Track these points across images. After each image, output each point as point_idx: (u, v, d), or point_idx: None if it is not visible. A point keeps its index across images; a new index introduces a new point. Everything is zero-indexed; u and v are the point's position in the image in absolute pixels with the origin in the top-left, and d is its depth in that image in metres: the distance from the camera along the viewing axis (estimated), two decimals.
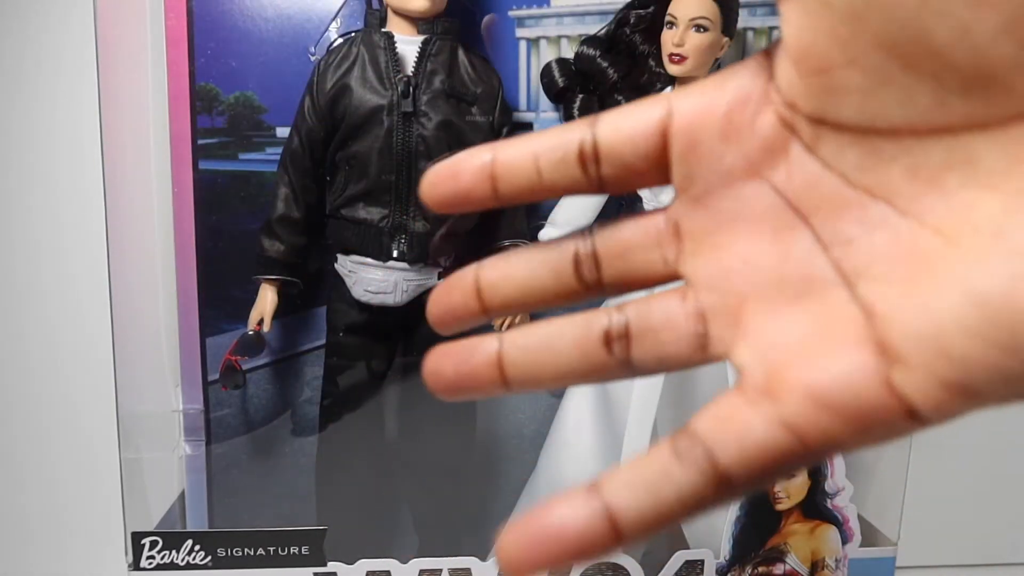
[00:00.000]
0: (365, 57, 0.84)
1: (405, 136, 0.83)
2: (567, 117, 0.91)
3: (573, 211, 0.91)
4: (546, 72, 0.90)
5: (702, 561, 0.84)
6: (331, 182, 0.87)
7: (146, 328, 0.91)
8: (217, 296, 0.91)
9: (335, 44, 0.87)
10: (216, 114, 0.90)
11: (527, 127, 0.93)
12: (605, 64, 0.89)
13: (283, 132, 0.89)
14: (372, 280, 0.86)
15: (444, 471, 0.93)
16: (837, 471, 0.84)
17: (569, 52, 0.91)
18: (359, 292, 0.86)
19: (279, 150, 0.89)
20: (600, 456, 0.91)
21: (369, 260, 0.85)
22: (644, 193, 0.88)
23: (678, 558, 0.84)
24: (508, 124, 0.89)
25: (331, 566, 0.81)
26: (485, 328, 0.28)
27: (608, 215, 0.92)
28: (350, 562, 0.81)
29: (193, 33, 0.87)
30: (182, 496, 0.93)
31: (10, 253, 1.02)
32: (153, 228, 0.90)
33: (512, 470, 0.98)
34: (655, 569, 0.84)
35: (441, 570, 0.82)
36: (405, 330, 0.89)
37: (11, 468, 1.06)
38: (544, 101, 0.93)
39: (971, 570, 1.16)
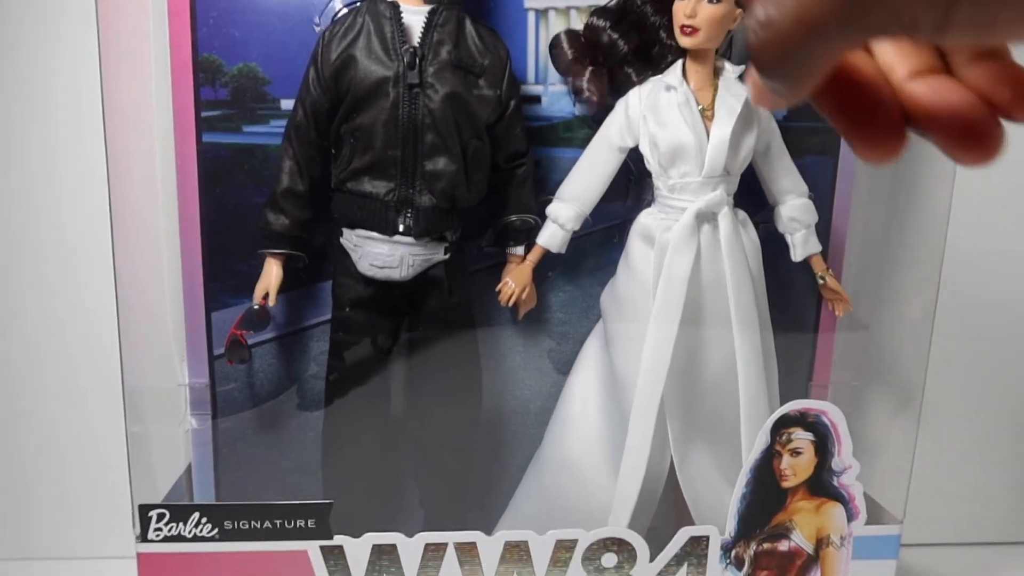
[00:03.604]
0: (370, 28, 0.82)
1: (411, 108, 0.82)
2: (576, 90, 0.90)
3: (581, 186, 0.90)
4: (555, 44, 0.89)
5: (707, 538, 0.84)
6: (336, 155, 0.86)
7: (151, 303, 0.91)
8: (222, 270, 0.91)
9: (340, 14, 0.86)
10: (219, 86, 0.89)
11: (535, 100, 0.92)
12: (615, 36, 0.87)
13: (287, 104, 0.88)
14: (378, 254, 0.85)
15: (450, 446, 0.93)
16: (844, 450, 0.84)
17: (578, 23, 0.90)
18: (365, 267, 0.86)
19: (284, 122, 0.88)
20: (606, 433, 0.91)
21: (375, 234, 0.85)
22: (652, 167, 0.87)
23: (683, 534, 0.84)
24: (516, 97, 0.87)
25: (337, 539, 0.81)
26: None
27: (616, 190, 0.91)
28: (356, 535, 0.81)
29: (195, 3, 0.86)
30: (189, 469, 0.94)
31: (14, 229, 1.02)
32: (157, 202, 0.89)
33: (518, 446, 0.98)
34: (660, 545, 0.84)
35: (446, 544, 0.82)
36: (411, 305, 0.89)
37: (18, 443, 1.07)
38: (553, 73, 0.91)
39: (976, 548, 1.16)
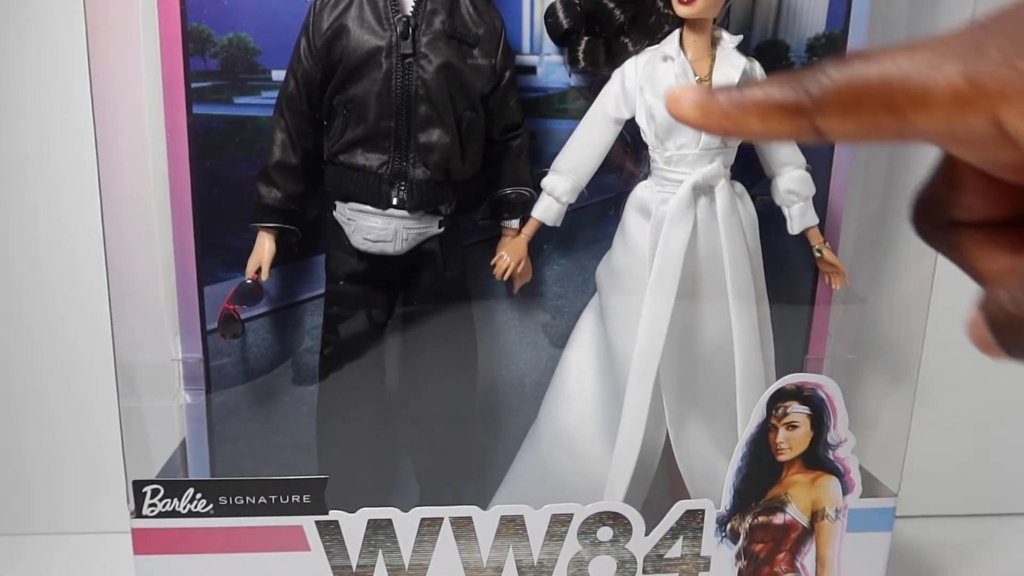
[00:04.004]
0: None
1: (404, 79, 0.80)
2: (572, 60, 0.88)
3: (576, 158, 0.89)
4: (550, 13, 0.87)
5: (702, 511, 0.84)
6: (329, 127, 0.85)
7: (143, 277, 0.90)
8: (214, 244, 0.90)
9: None
10: (209, 56, 0.87)
11: (530, 70, 0.91)
12: (612, 5, 0.86)
13: (279, 75, 0.86)
14: (371, 228, 0.84)
15: (445, 420, 0.93)
16: (840, 423, 0.84)
17: None
18: (358, 240, 0.85)
19: (275, 94, 0.86)
20: (601, 408, 0.91)
21: (368, 208, 0.84)
22: (649, 139, 0.86)
23: (678, 508, 0.84)
24: (511, 67, 0.86)
25: (332, 515, 0.81)
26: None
27: (612, 162, 0.90)
28: (351, 510, 0.81)
29: None
30: (183, 444, 0.93)
31: (3, 206, 1.00)
32: (147, 175, 0.88)
33: (513, 420, 0.98)
34: (656, 519, 0.84)
35: (442, 519, 0.82)
36: (405, 279, 0.88)
37: (12, 419, 1.06)
38: (548, 43, 0.90)
39: (971, 520, 1.17)
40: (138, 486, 0.80)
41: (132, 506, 0.80)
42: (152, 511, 0.80)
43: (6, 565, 1.02)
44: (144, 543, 0.81)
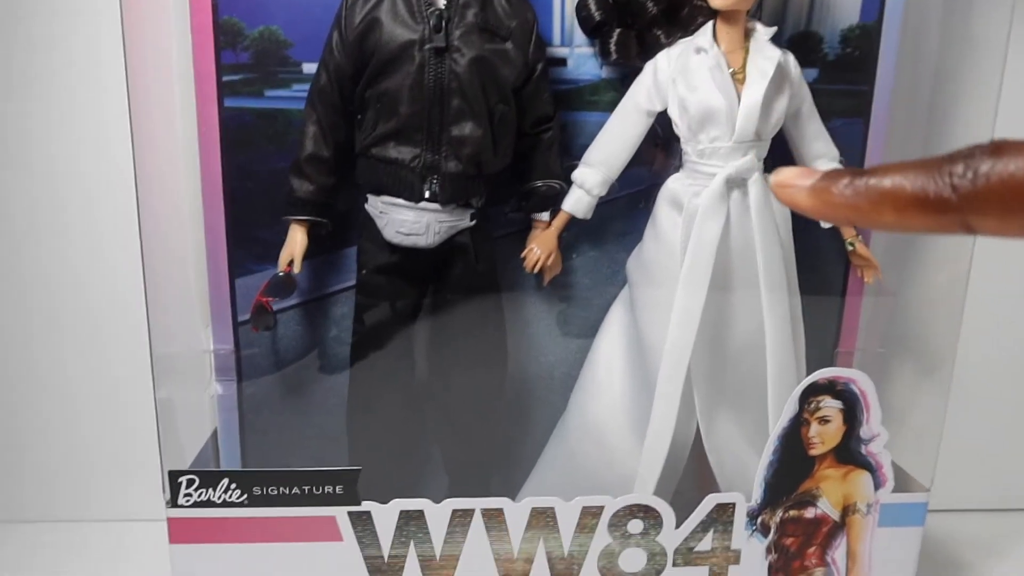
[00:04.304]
0: None
1: (437, 72, 0.80)
2: (603, 53, 0.88)
3: (607, 151, 0.88)
4: (582, 5, 0.87)
5: (733, 504, 0.84)
6: (361, 120, 0.85)
7: (177, 270, 0.90)
8: (246, 237, 0.90)
9: None
10: (240, 49, 0.87)
11: (561, 63, 0.90)
12: None
13: (310, 68, 0.87)
14: (404, 221, 0.84)
15: (474, 412, 0.93)
16: (873, 417, 0.83)
17: None
18: (390, 233, 0.85)
19: (306, 87, 0.86)
20: (631, 400, 0.91)
21: (400, 201, 0.84)
22: (681, 131, 0.85)
23: (709, 501, 0.84)
24: (542, 60, 0.86)
25: (365, 505, 0.81)
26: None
27: (643, 155, 0.90)
28: (383, 500, 0.82)
29: None
30: (215, 435, 0.94)
31: (40, 198, 1.01)
32: (180, 169, 0.89)
33: (542, 412, 0.98)
34: (686, 512, 0.84)
35: (473, 511, 0.82)
36: (436, 271, 0.88)
37: (48, 409, 1.08)
38: (579, 35, 0.89)
39: (1003, 515, 1.16)
40: (174, 476, 0.81)
41: (168, 496, 0.81)
42: (188, 501, 0.81)
43: (40, 551, 1.04)
44: (179, 532, 0.82)
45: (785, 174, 0.34)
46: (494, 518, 0.83)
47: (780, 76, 0.83)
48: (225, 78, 0.87)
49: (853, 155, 0.93)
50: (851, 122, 0.94)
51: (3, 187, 1.01)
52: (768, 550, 0.86)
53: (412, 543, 0.83)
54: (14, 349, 1.06)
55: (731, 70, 0.83)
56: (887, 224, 0.31)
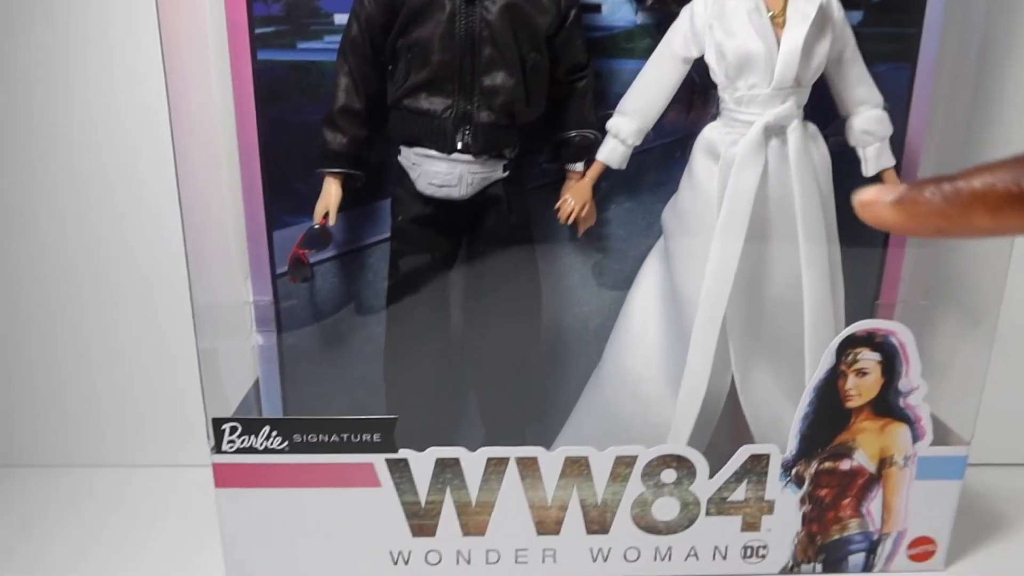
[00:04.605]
0: None
1: (468, 21, 0.79)
2: None
3: (643, 99, 0.87)
4: None
5: (767, 456, 0.84)
6: (392, 71, 0.84)
7: (215, 223, 0.92)
8: (282, 189, 0.91)
9: None
10: (272, 1, 0.87)
11: (595, 8, 0.88)
12: None
13: (341, 19, 0.86)
14: (436, 173, 0.84)
15: (510, 363, 0.94)
16: (912, 371, 0.82)
17: None
18: (423, 185, 0.85)
19: (338, 38, 0.86)
20: (666, 352, 0.91)
21: (433, 152, 0.84)
22: (719, 78, 0.83)
23: (743, 452, 0.84)
24: (575, 7, 0.84)
25: (402, 453, 0.83)
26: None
27: (678, 105, 0.88)
28: (420, 448, 0.83)
29: None
30: (256, 384, 0.97)
31: (80, 157, 1.03)
32: (216, 122, 0.90)
33: (577, 362, 0.98)
34: (720, 463, 0.84)
35: (508, 459, 0.83)
36: (470, 222, 0.88)
37: (97, 361, 1.11)
38: None
39: None
40: (217, 423, 0.83)
41: (212, 442, 0.84)
42: (231, 447, 0.83)
43: (89, 495, 1.08)
44: (224, 477, 0.84)
45: (868, 193, 0.32)
46: (528, 466, 0.84)
47: (822, 19, 0.81)
48: (257, 31, 0.87)
49: (898, 102, 0.90)
50: (897, 67, 0.90)
51: (44, 143, 1.03)
52: (802, 501, 0.86)
53: (448, 490, 0.84)
54: (61, 302, 1.09)
55: (770, 13, 0.81)
56: (981, 228, 0.30)
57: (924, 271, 0.96)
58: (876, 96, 0.86)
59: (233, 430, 0.83)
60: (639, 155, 0.90)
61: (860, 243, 0.92)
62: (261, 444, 0.83)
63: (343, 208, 0.89)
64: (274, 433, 0.83)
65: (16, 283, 1.08)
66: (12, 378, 1.12)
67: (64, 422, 1.14)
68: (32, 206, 1.05)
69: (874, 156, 0.87)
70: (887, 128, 0.87)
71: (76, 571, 0.93)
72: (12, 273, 1.08)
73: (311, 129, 0.88)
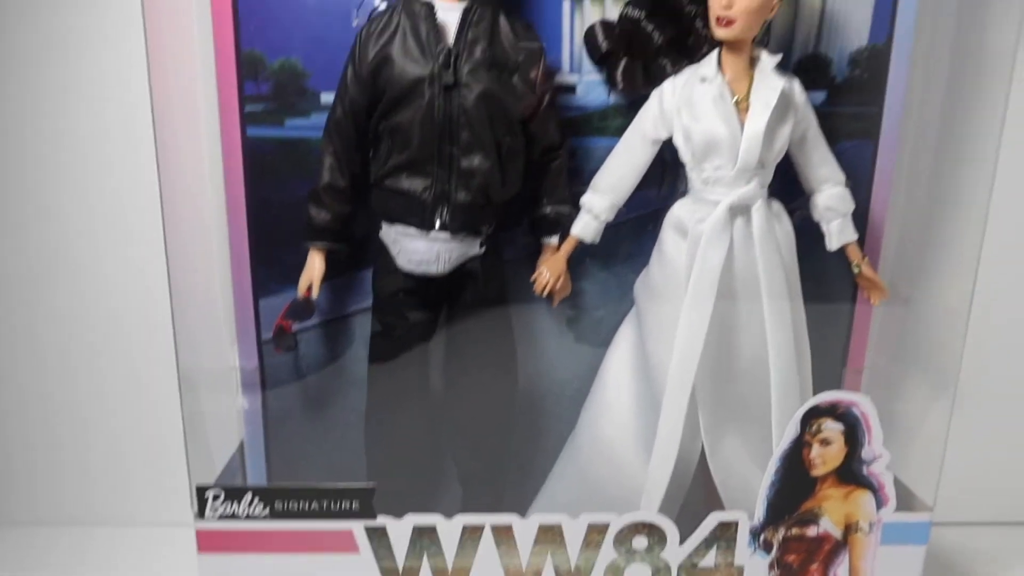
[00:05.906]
0: (406, 26, 0.83)
1: (446, 107, 0.83)
2: (610, 81, 0.90)
3: (615, 177, 0.90)
4: (589, 35, 0.89)
5: (736, 522, 0.87)
6: (375, 152, 0.88)
7: (203, 290, 0.95)
8: (268, 258, 0.94)
9: (376, 12, 0.87)
10: (262, 80, 0.91)
11: (570, 89, 0.92)
12: (650, 27, 0.87)
13: (327, 97, 0.90)
14: (415, 250, 0.87)
15: (488, 429, 0.96)
16: (875, 439, 0.85)
17: (614, 12, 0.89)
18: (403, 261, 0.88)
19: (324, 116, 0.90)
20: (639, 418, 0.93)
21: (412, 230, 0.87)
22: (686, 159, 0.87)
23: (712, 519, 0.87)
24: (550, 91, 0.88)
25: (380, 520, 0.85)
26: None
27: (651, 180, 0.92)
28: (399, 513, 0.85)
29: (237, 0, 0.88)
30: (241, 447, 0.99)
31: (71, 221, 1.07)
32: (206, 194, 0.93)
33: (553, 428, 1.01)
34: (690, 529, 0.87)
35: (483, 526, 0.86)
36: (448, 295, 0.91)
37: (81, 419, 1.13)
38: (588, 63, 0.91)
39: (1008, 528, 1.16)
40: (200, 491, 0.85)
41: (195, 508, 0.86)
42: (214, 514, 0.85)
43: (76, 554, 1.09)
44: (207, 543, 0.86)
45: None
46: (504, 533, 0.86)
47: (784, 104, 0.85)
48: (248, 108, 0.91)
49: (862, 176, 0.94)
50: (860, 144, 0.95)
51: (37, 211, 1.06)
52: (771, 566, 0.88)
53: (425, 556, 0.86)
54: (50, 363, 1.11)
55: (735, 99, 0.85)
56: None
57: (891, 333, 0.99)
58: (838, 174, 0.90)
59: (216, 497, 0.85)
60: (612, 227, 0.93)
61: (827, 313, 0.95)
62: (243, 511, 0.85)
63: (327, 277, 0.92)
64: (256, 500, 0.85)
65: (4, 348, 1.10)
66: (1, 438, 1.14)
67: (52, 481, 1.15)
68: (32, 275, 1.08)
69: (837, 231, 0.91)
70: (849, 204, 0.90)
71: None
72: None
73: (297, 202, 0.91)
